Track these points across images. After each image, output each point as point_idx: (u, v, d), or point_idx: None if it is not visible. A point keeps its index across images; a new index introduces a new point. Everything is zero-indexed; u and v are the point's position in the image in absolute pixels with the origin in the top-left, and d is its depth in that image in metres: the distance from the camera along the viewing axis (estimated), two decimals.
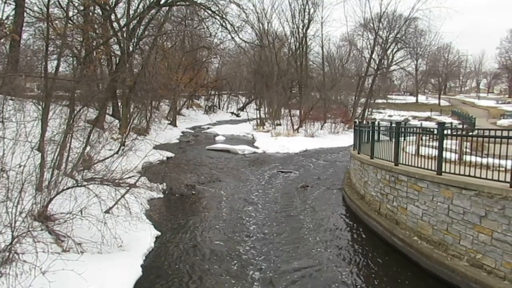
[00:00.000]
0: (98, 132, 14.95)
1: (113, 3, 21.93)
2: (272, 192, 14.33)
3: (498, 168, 7.09)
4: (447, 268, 7.04)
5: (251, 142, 29.68)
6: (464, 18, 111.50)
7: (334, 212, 11.88)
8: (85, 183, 8.80)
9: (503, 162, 7.39)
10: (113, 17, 22.96)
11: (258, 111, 43.40)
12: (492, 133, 7.31)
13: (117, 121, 25.41)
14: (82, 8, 18.24)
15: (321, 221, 10.88)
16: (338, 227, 10.49)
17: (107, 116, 24.67)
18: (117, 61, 24.79)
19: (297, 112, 37.68)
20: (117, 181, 9.56)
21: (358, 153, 13.43)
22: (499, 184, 6.54)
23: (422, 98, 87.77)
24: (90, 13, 20.49)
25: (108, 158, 12.38)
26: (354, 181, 13.55)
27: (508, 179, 6.45)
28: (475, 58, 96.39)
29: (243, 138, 32.84)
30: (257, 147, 26.34)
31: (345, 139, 29.25)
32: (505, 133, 6.92)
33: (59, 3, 16.90)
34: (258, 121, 40.39)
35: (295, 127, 34.70)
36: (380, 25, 43.24)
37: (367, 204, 11.20)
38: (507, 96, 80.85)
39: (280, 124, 36.63)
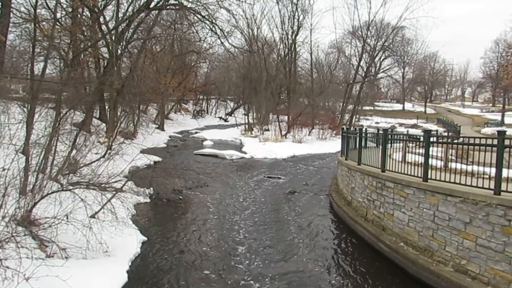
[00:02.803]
0: (85, 136, 14.81)
1: (102, 5, 21.79)
2: (260, 197, 14.32)
3: (482, 176, 7.21)
4: (433, 274, 7.11)
5: (239, 147, 29.65)
6: (450, 27, 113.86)
7: (321, 218, 11.91)
8: (71, 187, 8.67)
9: (487, 169, 7.51)
10: (101, 19, 22.79)
11: (246, 116, 43.45)
12: (477, 141, 7.44)
13: (104, 124, 25.15)
14: (70, 10, 18.09)
15: (308, 227, 10.90)
16: (325, 233, 10.52)
17: (93, 119, 24.40)
18: (105, 64, 24.59)
19: (285, 117, 37.81)
20: (103, 185, 9.45)
21: (346, 159, 13.51)
22: (484, 191, 6.64)
23: (408, 106, 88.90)
24: (78, 15, 20.33)
25: (94, 162, 12.26)
26: (341, 187, 13.62)
27: (492, 187, 6.55)
28: (461, 67, 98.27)
29: (231, 143, 32.79)
30: (245, 152, 26.32)
31: (333, 145, 29.43)
32: (489, 141, 7.04)
33: (47, 4, 16.72)
34: (246, 126, 40.41)
35: (283, 132, 34.80)
36: (368, 33, 43.82)
37: (354, 210, 11.26)
38: (491, 105, 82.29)
39: (268, 130, 36.70)
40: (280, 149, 27.41)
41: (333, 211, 12.68)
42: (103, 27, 23.15)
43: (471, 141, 7.76)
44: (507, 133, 6.92)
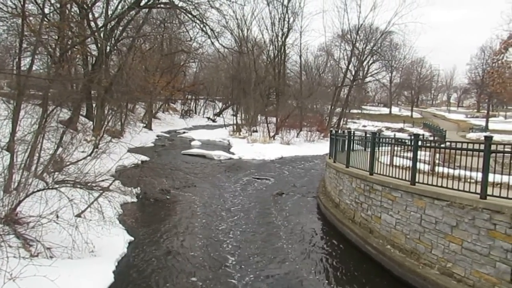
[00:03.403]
0: (71, 133, 14.62)
1: (91, 2, 21.54)
2: (248, 198, 14.30)
3: (469, 180, 7.32)
4: (419, 276, 7.18)
5: (227, 148, 29.60)
6: (438, 34, 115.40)
7: (309, 219, 11.95)
8: (57, 185, 8.53)
9: (473, 174, 7.63)
10: (90, 16, 22.55)
11: (234, 117, 43.39)
12: (462, 145, 7.55)
13: (91, 122, 24.87)
14: (58, 5, 17.80)
15: (295, 229, 10.92)
16: (313, 235, 10.55)
17: (81, 117, 24.12)
18: (94, 61, 24.33)
19: (274, 119, 37.89)
20: (90, 184, 9.33)
21: (334, 161, 13.58)
22: (470, 195, 6.74)
23: (395, 110, 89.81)
24: (67, 11, 20.01)
25: (81, 160, 12.10)
26: (329, 189, 13.68)
27: (478, 191, 6.64)
28: (447, 73, 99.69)
29: (219, 144, 32.71)
30: (233, 153, 26.29)
31: (321, 147, 29.57)
32: (475, 146, 7.14)
33: (35, 0, 16.45)
34: (235, 127, 40.37)
35: (272, 134, 34.85)
36: (357, 37, 44.17)
37: (342, 212, 11.32)
38: (475, 110, 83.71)
39: (256, 131, 36.72)
40: (268, 150, 27.44)
41: (320, 213, 12.73)
42: (92, 24, 22.93)
43: (458, 145, 7.86)
44: (493, 138, 7.02)
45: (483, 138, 7.10)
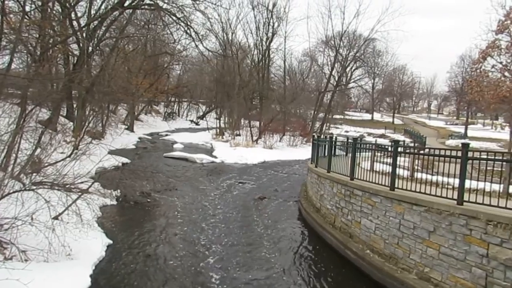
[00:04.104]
0: (50, 134, 14.34)
1: (74, 1, 21.24)
2: (230, 202, 14.26)
3: (446, 186, 7.46)
4: (397, 281, 7.26)
5: (209, 151, 29.48)
6: (419, 42, 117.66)
7: (290, 224, 11.97)
8: (34, 187, 8.34)
9: (451, 180, 7.78)
10: (73, 15, 22.20)
11: (218, 121, 43.30)
12: (442, 152, 7.70)
13: (71, 123, 24.43)
14: (40, 3, 17.50)
15: (277, 233, 10.93)
16: (294, 240, 10.57)
17: (61, 117, 23.68)
18: (75, 61, 23.95)
19: (257, 123, 37.93)
20: (68, 186, 9.15)
21: (316, 166, 13.66)
22: (447, 201, 6.86)
23: (377, 116, 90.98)
24: (49, 10, 19.69)
25: (59, 161, 11.85)
26: (310, 194, 13.75)
27: (455, 197, 6.77)
28: (428, 80, 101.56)
29: (202, 147, 32.57)
30: (215, 157, 26.20)
31: (303, 152, 29.73)
32: (453, 153, 7.28)
33: None
34: (218, 130, 40.27)
35: (254, 138, 34.88)
36: (341, 43, 44.74)
37: (323, 217, 11.38)
38: (455, 118, 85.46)
39: (239, 135, 36.69)
40: (251, 154, 27.44)
41: (302, 217, 12.77)
42: (74, 23, 22.56)
43: (436, 152, 8.01)
44: (470, 145, 7.17)
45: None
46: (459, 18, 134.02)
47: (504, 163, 7.25)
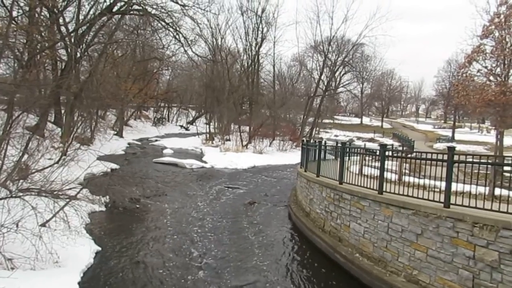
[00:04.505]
0: (38, 140, 14.17)
1: (62, 6, 21.13)
2: (219, 207, 14.23)
3: (433, 189, 7.56)
4: (386, 284, 7.31)
5: (199, 156, 29.42)
6: (406, 46, 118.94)
7: (280, 229, 11.99)
8: (20, 194, 8.23)
9: (438, 183, 7.87)
10: (61, 21, 22.08)
11: (207, 126, 43.23)
12: (429, 156, 7.80)
13: (59, 129, 24.20)
14: (27, 8, 17.38)
15: (266, 238, 10.93)
16: (283, 244, 10.59)
17: (48, 123, 23.45)
18: (63, 66, 23.78)
19: (247, 128, 37.97)
20: (56, 192, 9.05)
21: (305, 171, 13.72)
22: (434, 204, 6.95)
23: (366, 120, 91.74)
24: (36, 15, 19.56)
25: (47, 168, 11.71)
26: (300, 198, 13.79)
27: (442, 200, 6.86)
28: (415, 84, 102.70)
29: (192, 152, 32.48)
30: (205, 162, 26.14)
31: (293, 156, 29.81)
32: (439, 157, 7.38)
33: (2, 2, 16.01)
34: (208, 135, 40.20)
35: (244, 143, 34.90)
36: (330, 48, 45.00)
37: (312, 221, 11.42)
38: (442, 121, 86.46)
39: (229, 140, 36.69)
40: (241, 159, 27.45)
41: (291, 222, 12.80)
42: (63, 28, 22.47)
43: (424, 155, 8.10)
44: (456, 148, 7.28)
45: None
46: (445, 23, 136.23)
47: (489, 166, 7.38)
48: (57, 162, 12.54)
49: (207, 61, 40.84)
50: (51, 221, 8.36)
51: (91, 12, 22.69)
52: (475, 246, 6.01)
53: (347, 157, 11.83)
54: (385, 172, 8.67)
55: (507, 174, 9.36)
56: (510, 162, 6.77)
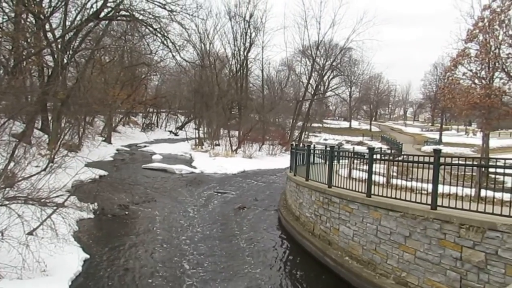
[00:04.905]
0: (25, 147, 14.01)
1: (48, 12, 20.98)
2: (209, 213, 14.19)
3: (421, 191, 7.64)
4: (375, 287, 7.36)
5: (189, 161, 29.31)
6: (393, 50, 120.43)
7: (270, 233, 11.99)
8: (7, 202, 8.12)
9: (425, 185, 7.97)
10: (47, 27, 21.92)
11: (197, 131, 43.13)
12: (416, 158, 7.88)
13: (46, 136, 23.93)
14: (13, 15, 17.22)
15: (256, 243, 10.93)
16: (274, 249, 10.59)
17: (35, 130, 23.17)
18: (50, 73, 23.57)
19: (236, 133, 37.96)
20: (43, 200, 8.94)
21: (294, 175, 13.76)
22: (421, 206, 7.02)
23: (355, 124, 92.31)
24: (22, 21, 19.40)
25: (34, 175, 11.56)
26: (290, 202, 13.82)
27: (429, 202, 6.94)
28: (403, 88, 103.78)
29: (181, 158, 32.35)
30: (195, 167, 26.06)
31: (282, 161, 29.85)
32: (426, 159, 7.47)
33: None
34: (197, 140, 40.10)
35: (234, 147, 34.87)
36: (318, 52, 45.32)
37: (302, 225, 11.45)
38: (430, 124, 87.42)
39: (218, 145, 36.64)
40: (231, 164, 27.42)
41: (281, 226, 12.81)
42: (49, 34, 22.30)
43: (411, 158, 8.20)
44: (442, 151, 7.38)
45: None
46: (432, 28, 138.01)
47: (475, 168, 7.49)
48: (44, 170, 12.38)
49: (196, 66, 40.84)
50: (38, 229, 8.26)
51: (77, 18, 22.57)
52: (462, 247, 6.09)
53: (336, 161, 11.91)
54: (373, 175, 8.74)
55: (493, 176, 9.52)
56: (494, 163, 6.89)
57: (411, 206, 7.14)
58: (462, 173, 9.18)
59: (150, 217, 13.11)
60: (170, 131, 60.01)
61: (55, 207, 9.00)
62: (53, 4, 21.61)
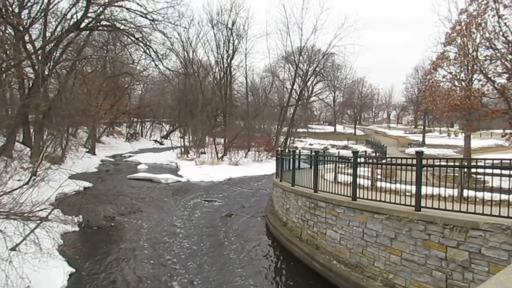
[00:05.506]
0: (6, 161, 13.77)
1: (28, 23, 20.72)
2: (196, 221, 14.11)
3: (405, 193, 7.74)
4: None
5: (174, 170, 29.13)
6: (375, 54, 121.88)
7: (258, 240, 11.97)
8: None
9: (409, 187, 8.07)
10: (27, 38, 21.62)
11: (182, 139, 42.91)
12: (400, 161, 7.99)
13: (28, 149, 23.54)
14: None
15: (244, 250, 10.89)
16: (261, 255, 10.58)
17: (16, 143, 22.78)
18: (30, 85, 23.23)
19: (222, 140, 37.90)
20: (26, 214, 8.78)
21: (280, 180, 13.78)
22: (406, 208, 7.11)
23: (339, 128, 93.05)
24: (1, 33, 19.13)
25: (16, 189, 11.35)
26: (276, 208, 13.83)
27: (413, 203, 7.02)
28: (386, 91, 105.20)
29: (167, 167, 32.13)
30: (181, 176, 25.92)
31: (269, 167, 29.86)
32: (409, 161, 7.58)
33: None
34: (182, 149, 39.88)
35: (220, 155, 34.79)
36: (301, 58, 45.61)
37: (289, 231, 11.46)
38: (413, 126, 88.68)
39: (204, 153, 36.50)
40: (217, 172, 27.35)
41: (269, 232, 12.80)
42: (29, 46, 21.98)
43: (395, 161, 8.30)
44: (426, 152, 7.49)
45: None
46: (413, 32, 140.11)
47: (457, 168, 7.62)
48: (27, 183, 12.16)
49: (179, 74, 40.73)
50: (21, 245, 8.10)
51: (58, 29, 22.34)
52: (446, 247, 6.18)
53: (322, 165, 11.98)
54: (358, 179, 8.82)
55: (475, 176, 9.71)
56: (475, 164, 7.03)
57: (396, 208, 7.23)
58: (446, 174, 9.33)
59: (136, 228, 12.97)
60: (155, 140, 59.54)
61: (38, 221, 8.85)
62: (32, 15, 21.40)
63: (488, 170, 8.02)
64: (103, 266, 9.35)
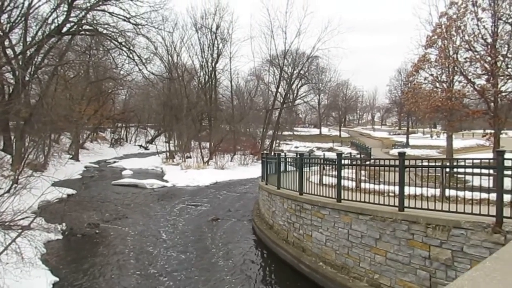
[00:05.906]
0: None
1: (8, 28, 20.38)
2: (182, 227, 14.01)
3: (389, 194, 7.83)
4: None
5: (160, 175, 28.93)
6: (359, 57, 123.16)
7: (244, 243, 11.96)
8: None
9: (393, 188, 8.17)
10: (7, 43, 21.25)
11: (167, 144, 42.64)
12: (382, 162, 8.08)
13: (9, 156, 23.08)
14: None
15: (231, 254, 10.87)
16: (248, 258, 10.55)
17: None
18: (11, 90, 22.82)
19: (207, 144, 37.78)
20: (7, 223, 8.60)
21: (266, 184, 13.80)
22: (390, 208, 7.19)
23: (325, 130, 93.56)
24: None
25: None
26: (263, 211, 13.84)
27: (397, 204, 7.11)
28: (370, 93, 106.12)
29: (152, 172, 31.88)
30: (166, 181, 25.75)
31: (255, 170, 29.84)
32: (391, 162, 7.68)
33: None
34: (168, 154, 39.61)
35: (205, 159, 34.67)
36: (285, 61, 45.79)
37: (276, 234, 11.47)
38: (397, 128, 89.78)
39: (190, 157, 36.32)
40: (203, 176, 27.25)
41: (255, 235, 12.80)
42: (9, 51, 21.60)
43: (379, 162, 8.39)
44: (409, 153, 7.60)
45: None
46: (396, 35, 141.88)
47: (439, 168, 7.74)
48: (8, 191, 11.94)
49: (164, 79, 40.50)
50: (2, 255, 7.92)
51: (39, 34, 22.02)
52: (429, 247, 6.26)
53: (307, 168, 12.03)
54: (343, 180, 8.89)
55: (456, 175, 9.87)
56: (456, 164, 7.15)
57: (380, 209, 7.30)
58: (428, 174, 9.47)
59: (122, 235, 12.82)
60: (140, 146, 59.03)
61: (20, 230, 8.66)
62: (12, 20, 21.05)
63: (469, 170, 8.17)
64: (87, 274, 9.21)
